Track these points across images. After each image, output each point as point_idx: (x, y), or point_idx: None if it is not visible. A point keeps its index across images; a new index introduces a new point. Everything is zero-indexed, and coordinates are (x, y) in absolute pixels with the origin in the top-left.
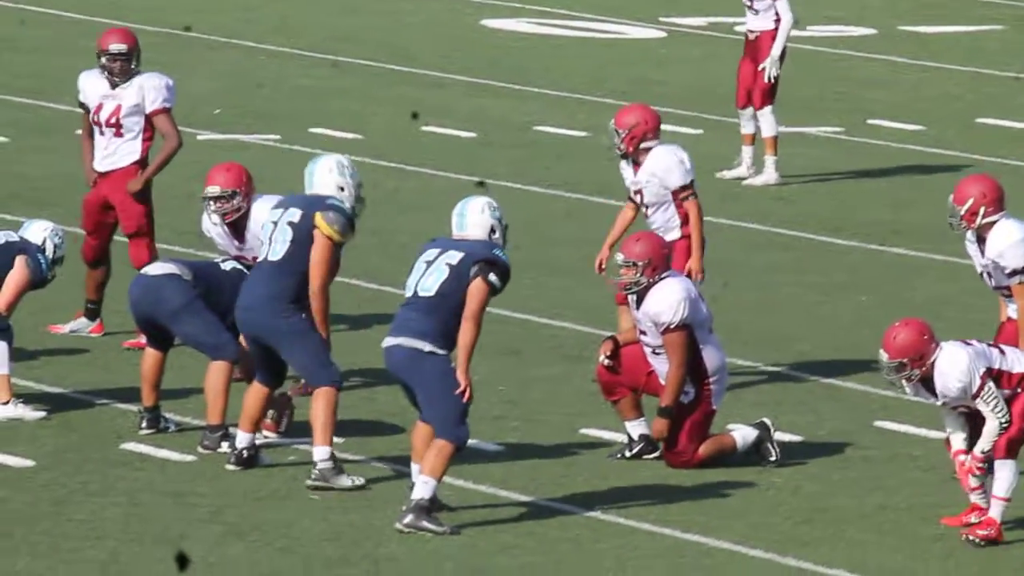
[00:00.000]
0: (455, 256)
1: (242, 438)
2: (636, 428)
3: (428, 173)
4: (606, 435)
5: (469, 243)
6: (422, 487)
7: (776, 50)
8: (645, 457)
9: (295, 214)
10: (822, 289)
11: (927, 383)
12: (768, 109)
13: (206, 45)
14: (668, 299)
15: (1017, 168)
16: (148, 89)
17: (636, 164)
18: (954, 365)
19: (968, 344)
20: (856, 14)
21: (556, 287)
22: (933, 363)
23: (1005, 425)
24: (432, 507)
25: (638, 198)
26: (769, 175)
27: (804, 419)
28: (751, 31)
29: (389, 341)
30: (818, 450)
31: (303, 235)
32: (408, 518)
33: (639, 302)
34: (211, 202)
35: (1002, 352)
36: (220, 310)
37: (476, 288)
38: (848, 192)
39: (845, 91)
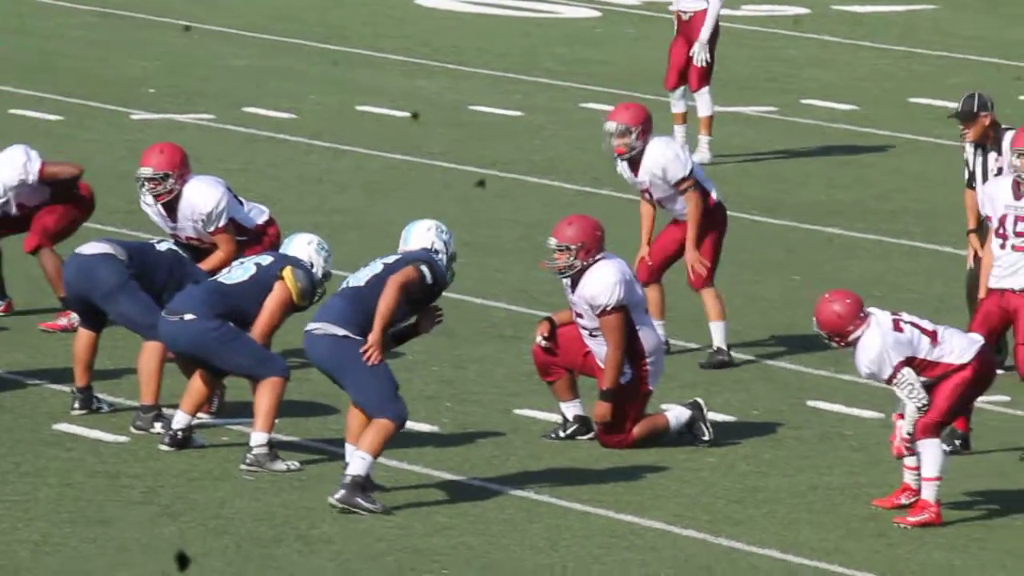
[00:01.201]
0: (392, 257)
1: (180, 419)
2: (571, 409)
3: (362, 152)
4: (540, 415)
5: (409, 251)
6: (358, 463)
7: (705, 34)
8: (579, 438)
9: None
10: (755, 268)
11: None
12: (705, 90)
13: (140, 24)
14: (603, 281)
15: (949, 147)
16: None
17: (633, 163)
18: (866, 352)
19: (898, 329)
20: None
21: (490, 267)
22: (855, 340)
23: (923, 409)
24: (366, 485)
25: (647, 196)
26: (703, 154)
27: (737, 399)
28: (683, 11)
29: (308, 326)
30: (751, 430)
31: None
32: (341, 494)
33: (574, 285)
34: (145, 183)
35: (935, 341)
36: (155, 291)
37: (405, 269)
38: (782, 172)
39: (779, 71)
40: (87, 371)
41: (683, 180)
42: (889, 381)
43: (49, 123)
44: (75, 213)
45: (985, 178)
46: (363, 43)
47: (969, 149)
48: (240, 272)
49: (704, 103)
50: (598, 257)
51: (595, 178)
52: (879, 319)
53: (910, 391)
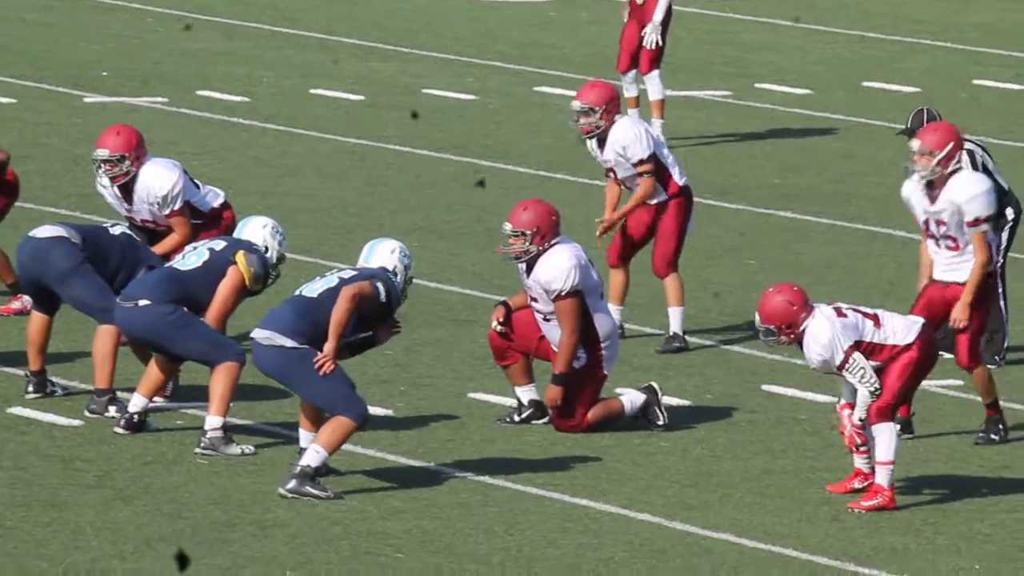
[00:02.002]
0: (349, 272)
1: (136, 402)
2: (526, 393)
3: (316, 136)
4: (494, 399)
5: (367, 268)
6: (312, 455)
7: (658, 15)
8: (534, 423)
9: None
10: (709, 253)
11: (801, 347)
12: (655, 73)
13: (94, 7)
14: (559, 266)
15: None
16: None
17: (601, 141)
18: (817, 339)
19: (841, 315)
20: None
21: (443, 250)
22: (804, 330)
23: (875, 393)
24: (317, 474)
25: (612, 174)
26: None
27: (691, 383)
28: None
29: (255, 332)
30: (705, 414)
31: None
32: (291, 483)
33: (529, 270)
34: (101, 164)
35: (877, 324)
36: (108, 274)
37: (360, 283)
38: (735, 156)
39: (732, 55)
40: (41, 354)
41: (641, 162)
42: (841, 367)
43: (1, 106)
44: (2, 201)
45: None
46: (316, 27)
47: None
48: (194, 258)
49: (654, 86)
50: (553, 242)
51: (549, 162)
52: (822, 308)
53: (862, 375)
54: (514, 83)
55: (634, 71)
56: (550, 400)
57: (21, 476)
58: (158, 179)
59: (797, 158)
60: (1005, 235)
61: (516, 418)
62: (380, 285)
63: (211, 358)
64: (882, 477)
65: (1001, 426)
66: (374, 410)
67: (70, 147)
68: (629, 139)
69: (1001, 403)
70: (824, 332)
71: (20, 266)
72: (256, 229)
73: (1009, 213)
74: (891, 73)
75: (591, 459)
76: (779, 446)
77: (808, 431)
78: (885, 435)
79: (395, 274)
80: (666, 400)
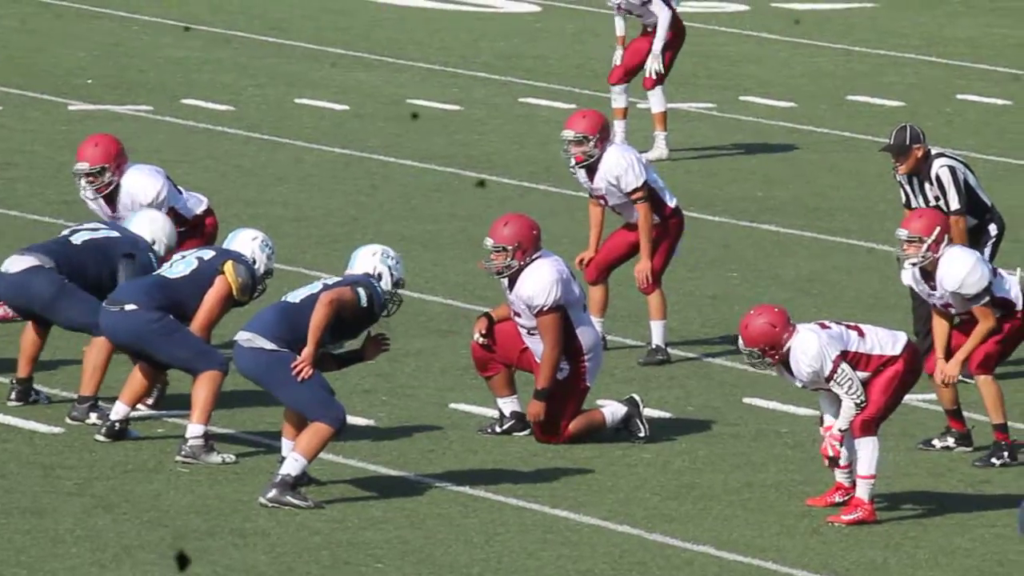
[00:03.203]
0: (333, 279)
1: (118, 410)
2: (508, 405)
3: (300, 145)
4: (476, 410)
5: (351, 275)
6: (291, 464)
7: (657, 46)
8: (515, 434)
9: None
10: (692, 265)
11: (787, 366)
12: (658, 88)
13: (79, 15)
14: (541, 282)
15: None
16: None
17: (590, 170)
18: (805, 351)
19: (824, 327)
20: None
21: (426, 260)
22: (788, 349)
23: (861, 405)
24: (297, 483)
25: (602, 201)
26: (660, 150)
27: (673, 395)
28: (646, 26)
29: (238, 335)
30: (686, 426)
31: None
32: (272, 492)
33: (511, 284)
34: (83, 178)
35: (861, 335)
36: (91, 284)
37: (339, 288)
38: (719, 168)
39: (717, 67)
40: (31, 363)
41: (636, 190)
42: (829, 378)
43: None
44: None
45: (927, 204)
46: (302, 36)
47: (902, 178)
48: (182, 266)
49: (657, 100)
50: (535, 256)
51: (533, 173)
52: (805, 325)
53: (850, 386)
54: (499, 94)
55: (625, 84)
56: (532, 415)
57: (1, 483)
58: (142, 186)
59: (781, 171)
60: (988, 251)
61: (498, 429)
62: (361, 290)
63: (194, 366)
64: (863, 491)
65: (1007, 453)
66: (356, 420)
67: (55, 154)
68: (621, 169)
69: (969, 416)
70: (811, 344)
71: (3, 298)
72: (245, 241)
73: (992, 229)
74: (875, 87)
75: (572, 471)
76: (760, 459)
77: (789, 444)
78: (868, 449)
79: (378, 277)
80: (647, 412)
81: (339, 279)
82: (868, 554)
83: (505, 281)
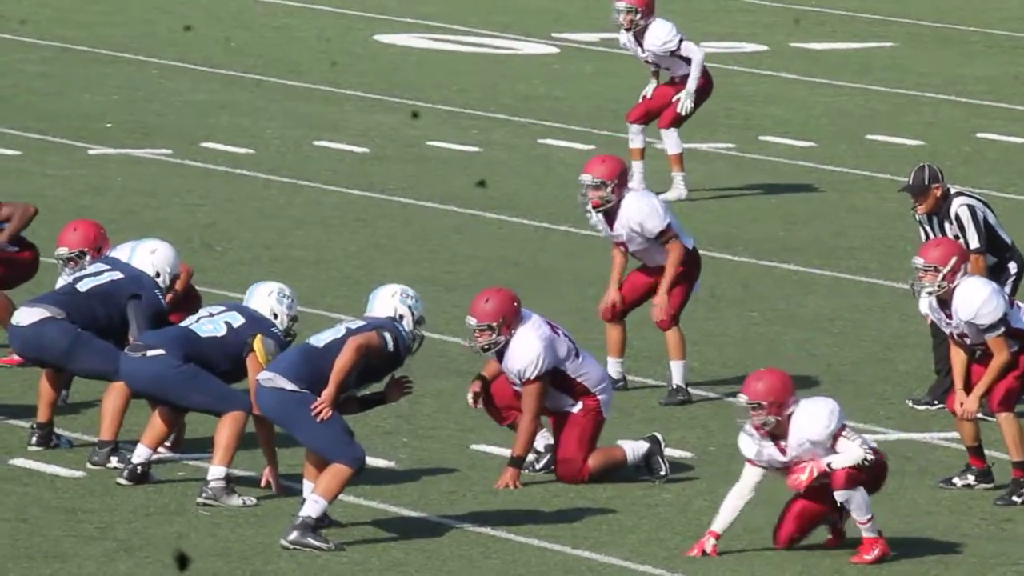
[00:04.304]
0: (357, 323)
1: (140, 453)
2: (540, 441)
3: (320, 188)
4: (496, 451)
5: (374, 317)
6: (312, 506)
7: (692, 84)
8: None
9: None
10: (712, 305)
11: (776, 438)
12: (673, 130)
13: (97, 59)
14: (528, 354)
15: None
16: None
17: (609, 216)
18: (818, 415)
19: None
20: (748, 31)
21: (446, 302)
22: (790, 415)
23: (867, 461)
24: (318, 525)
25: (622, 248)
26: (679, 191)
27: (694, 435)
28: (673, 77)
29: (260, 375)
30: (707, 466)
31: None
32: (293, 535)
33: (500, 356)
34: (63, 262)
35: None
36: (103, 329)
37: (367, 333)
38: (739, 208)
39: (737, 107)
40: (50, 408)
41: (663, 232)
42: (838, 435)
43: (6, 158)
44: (28, 255)
45: None
46: (321, 79)
47: (922, 218)
48: (210, 327)
49: (672, 141)
50: (519, 326)
51: (552, 213)
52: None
53: (860, 442)
54: (518, 135)
55: (643, 125)
56: (502, 483)
57: (23, 527)
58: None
59: (801, 210)
60: (1008, 289)
61: (537, 467)
62: (387, 335)
63: (217, 409)
64: (870, 531)
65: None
66: (376, 461)
67: (74, 198)
68: (644, 214)
69: (991, 454)
70: (823, 410)
71: (19, 354)
72: (262, 299)
73: (1012, 267)
74: (895, 126)
75: (593, 511)
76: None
77: None
78: (856, 499)
79: (400, 319)
80: (668, 452)
81: (362, 323)
82: None
83: (493, 353)
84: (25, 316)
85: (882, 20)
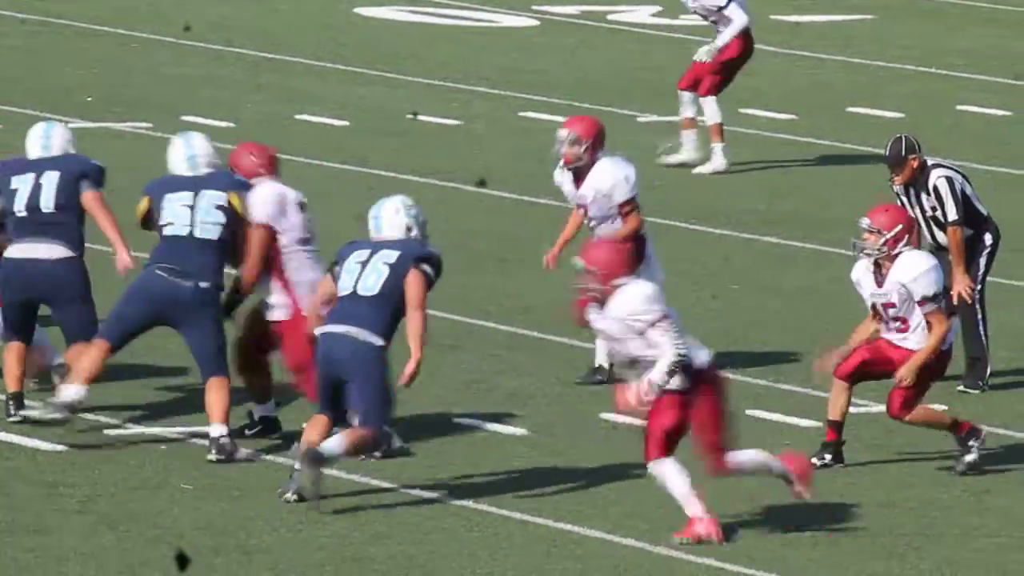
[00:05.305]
0: (392, 255)
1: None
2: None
3: (301, 161)
4: (478, 424)
5: (401, 242)
6: (328, 445)
7: (719, 40)
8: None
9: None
10: (693, 277)
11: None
12: (711, 98)
13: (78, 33)
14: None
15: None
16: None
17: (578, 177)
18: (637, 294)
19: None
20: None
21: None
22: (617, 288)
23: (681, 356)
24: (324, 463)
25: (582, 211)
26: (718, 162)
27: None
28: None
29: (334, 328)
30: (689, 439)
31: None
32: (306, 471)
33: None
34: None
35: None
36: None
37: (414, 278)
38: (720, 181)
39: None
40: (20, 380)
41: (627, 203)
42: (654, 323)
43: None
44: None
45: (923, 215)
46: (301, 52)
47: (899, 189)
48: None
49: (712, 110)
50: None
51: (532, 186)
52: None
53: (674, 337)
54: (498, 108)
55: (692, 94)
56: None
57: (4, 501)
58: None
59: (782, 183)
60: (983, 261)
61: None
62: (427, 267)
63: (207, 366)
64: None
65: (980, 438)
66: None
67: None
68: (617, 179)
69: (985, 428)
70: (645, 289)
71: (14, 287)
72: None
73: (987, 239)
74: (876, 99)
75: (575, 483)
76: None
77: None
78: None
79: (410, 230)
80: None
81: (389, 248)
82: (871, 565)
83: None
84: (46, 251)
85: None
